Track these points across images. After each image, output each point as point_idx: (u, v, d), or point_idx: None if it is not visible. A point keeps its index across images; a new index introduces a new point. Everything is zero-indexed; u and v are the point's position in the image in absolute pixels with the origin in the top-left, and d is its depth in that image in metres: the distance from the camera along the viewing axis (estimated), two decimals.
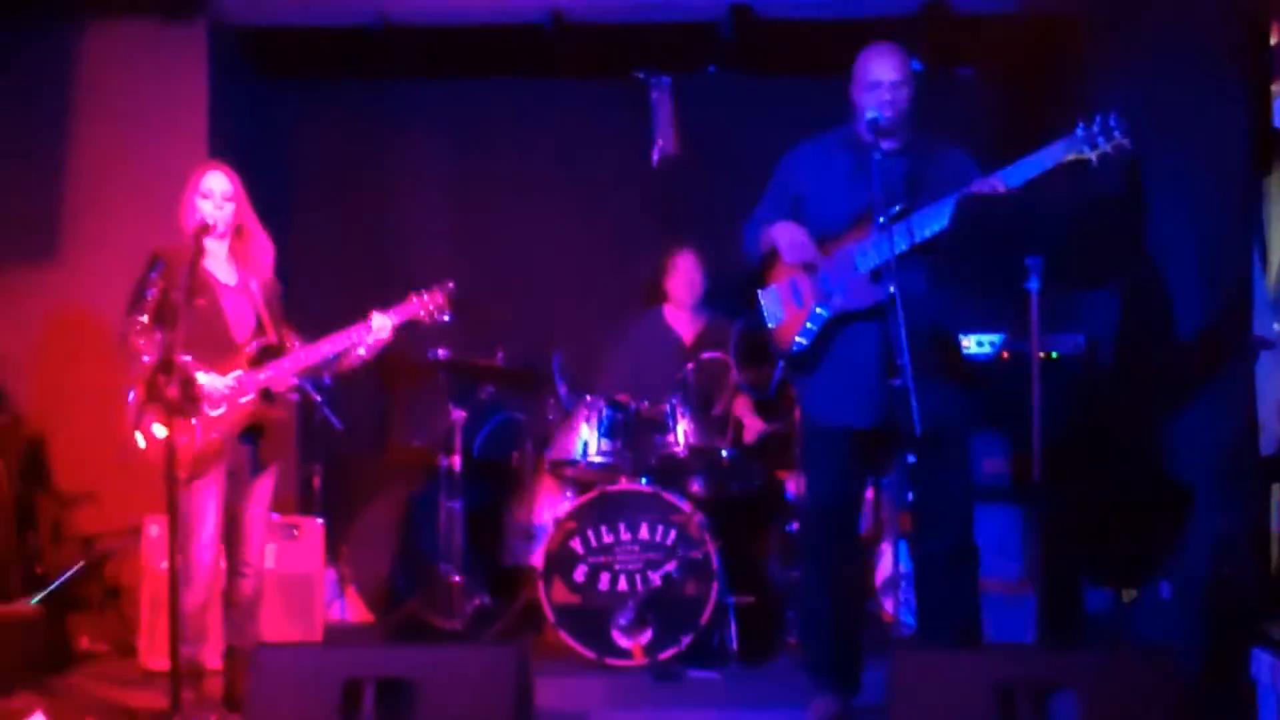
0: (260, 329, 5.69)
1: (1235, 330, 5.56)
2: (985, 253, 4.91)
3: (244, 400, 5.55)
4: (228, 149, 7.34)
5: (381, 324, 5.70)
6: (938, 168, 5.29)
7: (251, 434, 5.63)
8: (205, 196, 5.62)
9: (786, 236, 5.38)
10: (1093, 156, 4.99)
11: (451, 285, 5.87)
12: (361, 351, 5.74)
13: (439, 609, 7.24)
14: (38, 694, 5.97)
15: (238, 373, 5.55)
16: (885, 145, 5.24)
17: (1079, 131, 5.01)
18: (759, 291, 5.49)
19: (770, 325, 5.45)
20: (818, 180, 5.44)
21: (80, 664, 6.76)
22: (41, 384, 7.40)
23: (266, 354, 5.64)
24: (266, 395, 5.62)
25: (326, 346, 5.69)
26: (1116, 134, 4.97)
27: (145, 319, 5.50)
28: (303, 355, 5.67)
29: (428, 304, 5.81)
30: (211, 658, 5.74)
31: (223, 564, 5.67)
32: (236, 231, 5.69)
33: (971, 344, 6.40)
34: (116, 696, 6.10)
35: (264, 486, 5.71)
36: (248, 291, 5.70)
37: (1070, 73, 7.24)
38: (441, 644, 6.64)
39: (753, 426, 7.32)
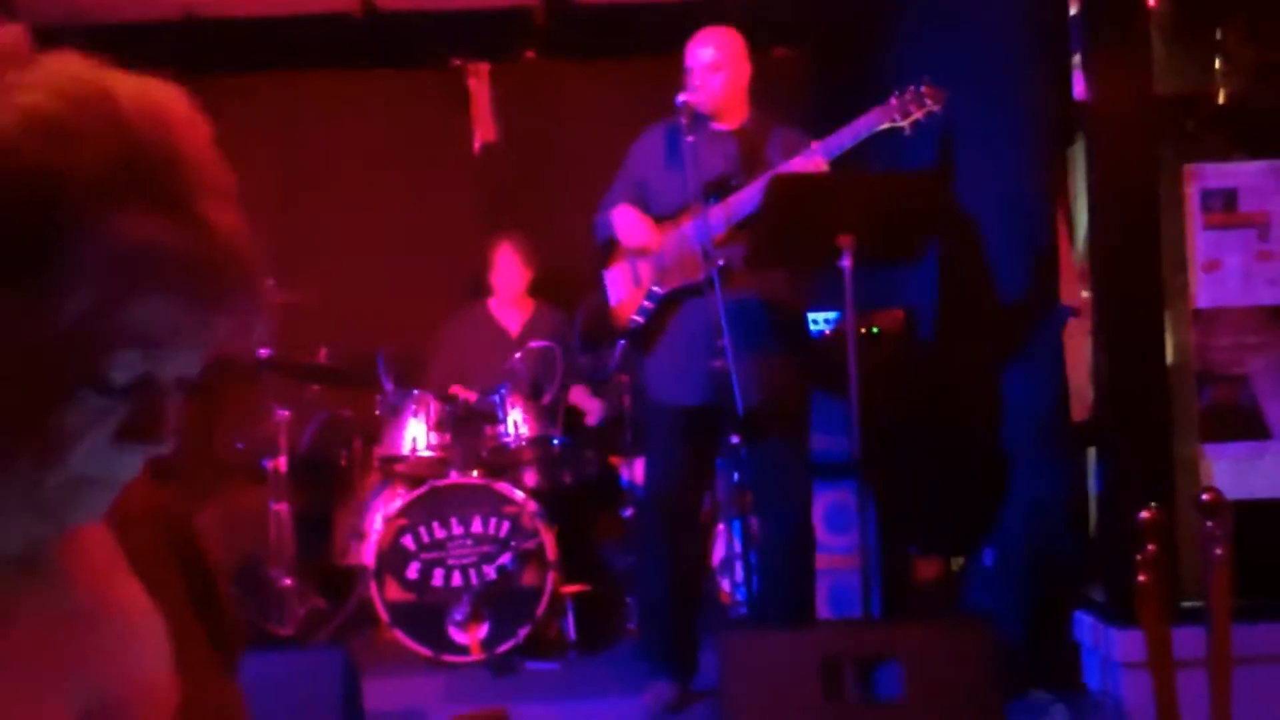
0: None
1: (1044, 299, 5.65)
2: (798, 232, 4.94)
3: None
4: None
5: None
6: (771, 147, 5.33)
7: None
8: None
9: (622, 221, 5.45)
10: (906, 125, 5.07)
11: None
12: None
13: (270, 615, 7.10)
14: None
15: None
16: (716, 127, 5.31)
17: (892, 100, 5.09)
18: (604, 272, 5.55)
19: (613, 304, 5.51)
20: (656, 164, 5.52)
21: None
22: None
23: None
24: None
25: None
26: (928, 101, 5.06)
27: None
28: None
29: None
30: None
31: None
32: None
33: (821, 321, 6.44)
34: None
35: None
36: None
37: (885, 46, 7.30)
38: (264, 650, 6.51)
39: (593, 410, 7.29)
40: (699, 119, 5.30)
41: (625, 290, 5.50)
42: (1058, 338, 5.56)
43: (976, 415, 6.10)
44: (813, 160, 5.09)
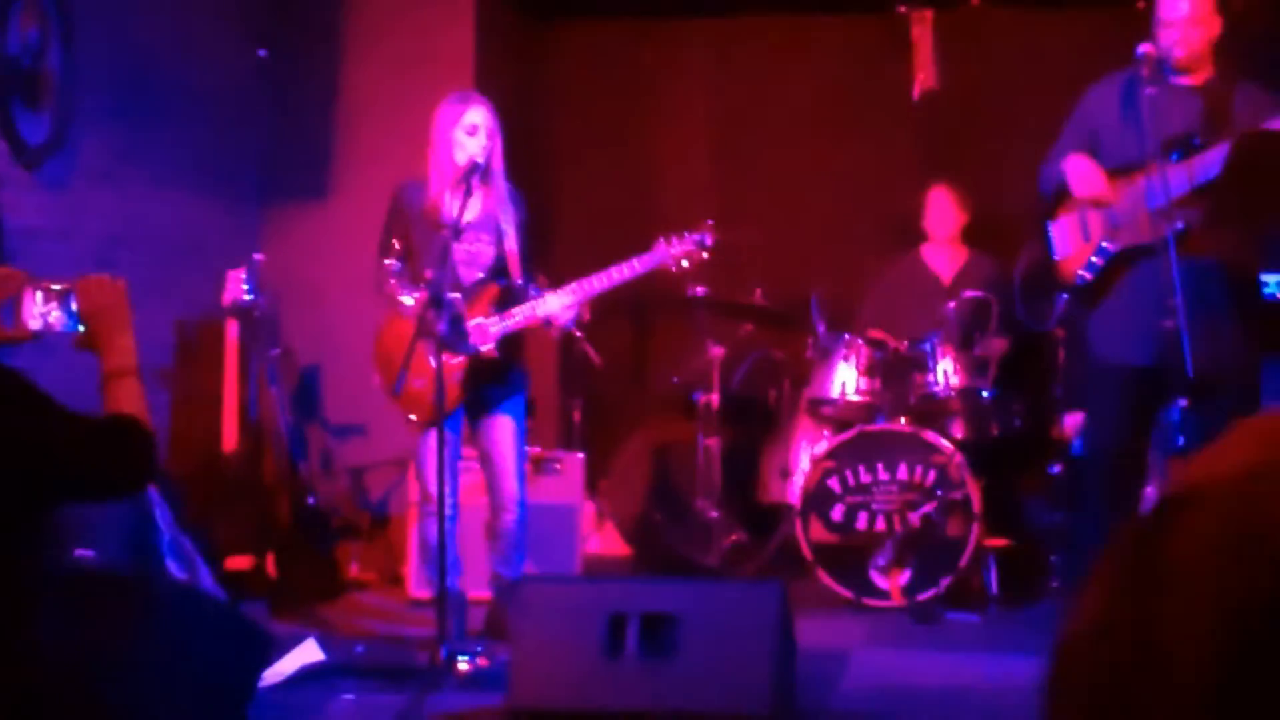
0: (500, 271, 5.69)
1: None
2: (1270, 191, 4.76)
3: (483, 348, 5.60)
4: (492, 89, 7.46)
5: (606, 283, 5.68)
6: (1238, 104, 5.15)
7: (489, 374, 5.69)
8: (471, 133, 5.62)
9: (1077, 170, 5.33)
10: None
11: (705, 234, 5.79)
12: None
13: (695, 545, 7.30)
14: (310, 621, 6.17)
15: (479, 319, 5.60)
16: (1178, 81, 5.16)
17: None
18: (1048, 224, 5.47)
19: (1056, 258, 5.43)
20: (1111, 115, 5.39)
21: (349, 592, 6.99)
22: (313, 318, 7.63)
23: (508, 298, 5.67)
24: (503, 344, 5.65)
25: (570, 292, 5.68)
26: None
27: (392, 262, 5.60)
28: (528, 310, 5.66)
29: (676, 253, 5.74)
30: (478, 587, 5.90)
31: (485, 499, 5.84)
32: (487, 170, 5.66)
33: (1271, 283, 6.19)
34: (384, 624, 6.29)
35: (505, 424, 5.74)
36: (488, 231, 5.70)
37: None
38: (702, 579, 6.71)
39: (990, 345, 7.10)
40: (1160, 71, 5.15)
41: (1073, 244, 5.40)
42: None
43: None
44: None
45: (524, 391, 5.90)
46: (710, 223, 6.07)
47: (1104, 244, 5.28)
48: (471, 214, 5.65)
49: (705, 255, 5.84)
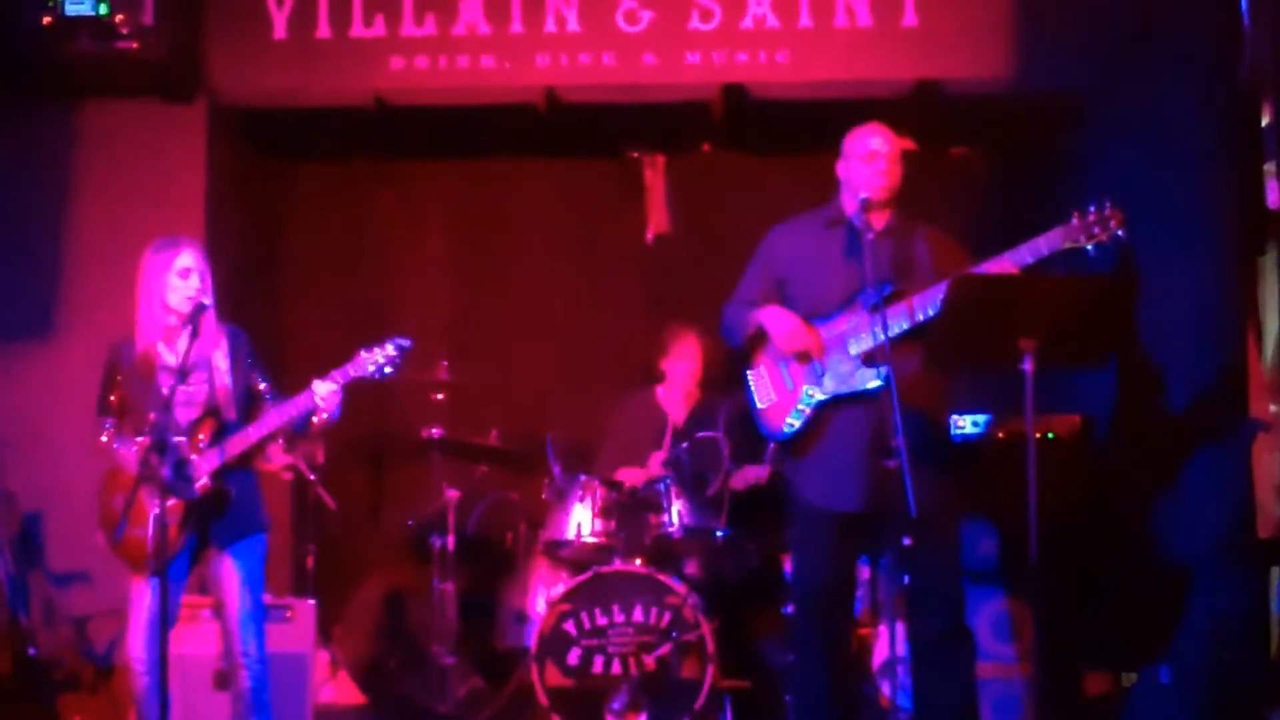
0: (214, 411, 5.55)
1: (1231, 412, 5.55)
2: (980, 334, 4.91)
3: (197, 484, 5.42)
4: (225, 229, 7.35)
5: (327, 389, 5.42)
6: (921, 247, 5.31)
7: (213, 512, 5.50)
8: (184, 276, 5.50)
9: (779, 323, 5.38)
10: (1089, 246, 5.02)
11: (405, 341, 5.64)
12: (316, 419, 5.56)
13: (431, 692, 7.16)
14: None
15: (194, 456, 5.44)
16: (873, 225, 5.27)
17: (1074, 221, 5.04)
18: (748, 372, 5.50)
19: (760, 406, 5.45)
20: (803, 262, 5.47)
21: None
22: (37, 463, 7.36)
23: (222, 435, 5.52)
24: (218, 477, 5.49)
25: (270, 420, 5.52)
26: (1112, 224, 5.00)
27: (109, 419, 5.48)
28: (243, 437, 5.53)
29: (375, 358, 5.57)
30: None
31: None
32: (199, 310, 5.50)
33: (966, 424, 6.37)
34: None
35: (234, 570, 5.53)
36: (203, 370, 5.55)
37: (1063, 152, 7.26)
38: None
39: (745, 475, 7.19)
40: (845, 218, 5.29)
41: (776, 392, 5.45)
42: (1245, 451, 5.45)
43: (1152, 527, 5.98)
44: (1002, 266, 5.06)
45: (259, 534, 5.67)
46: (406, 341, 5.78)
47: (809, 392, 5.34)
48: (178, 356, 5.52)
49: (391, 367, 5.61)
